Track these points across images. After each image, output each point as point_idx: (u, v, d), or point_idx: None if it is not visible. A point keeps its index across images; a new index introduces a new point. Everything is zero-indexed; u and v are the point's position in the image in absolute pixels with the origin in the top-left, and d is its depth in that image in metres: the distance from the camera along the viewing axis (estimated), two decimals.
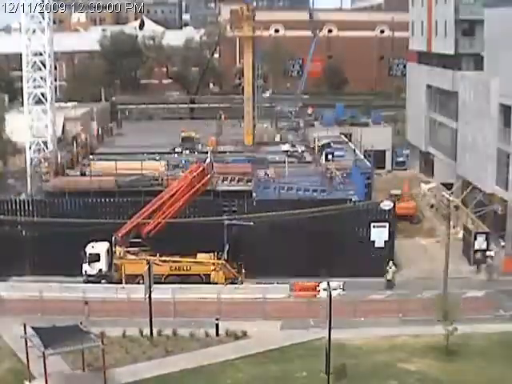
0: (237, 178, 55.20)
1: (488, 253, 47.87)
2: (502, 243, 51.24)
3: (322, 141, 70.04)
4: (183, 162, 62.41)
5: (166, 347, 37.78)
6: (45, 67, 60.70)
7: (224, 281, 46.31)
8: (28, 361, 33.42)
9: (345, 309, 40.41)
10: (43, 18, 59.83)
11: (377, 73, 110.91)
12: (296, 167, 61.31)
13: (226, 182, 54.51)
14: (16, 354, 36.20)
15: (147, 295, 38.56)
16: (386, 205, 48.93)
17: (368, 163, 62.60)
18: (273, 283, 45.73)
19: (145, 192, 51.45)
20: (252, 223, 46.95)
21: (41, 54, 60.49)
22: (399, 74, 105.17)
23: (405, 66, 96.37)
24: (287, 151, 67.97)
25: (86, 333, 33.70)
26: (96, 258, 46.66)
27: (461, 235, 53.83)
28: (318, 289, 44.81)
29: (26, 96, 61.35)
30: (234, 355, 37.03)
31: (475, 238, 51.20)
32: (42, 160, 59.50)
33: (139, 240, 47.22)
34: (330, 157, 62.88)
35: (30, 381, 33.46)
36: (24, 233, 49.44)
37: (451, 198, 45.73)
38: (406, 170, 78.45)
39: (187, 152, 68.75)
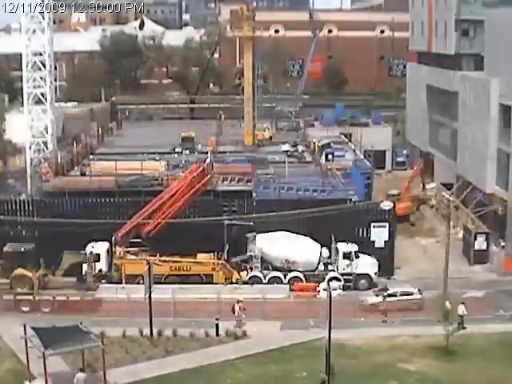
0: (237, 178, 55.17)
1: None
2: (502, 243, 51.20)
3: (322, 141, 70.04)
4: (183, 162, 62.38)
5: (166, 347, 37.76)
6: (45, 67, 60.68)
7: (224, 281, 46.31)
8: (28, 361, 33.37)
9: (345, 309, 40.40)
10: (43, 17, 59.81)
11: (377, 73, 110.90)
12: (296, 167, 61.29)
13: (226, 182, 54.47)
14: (16, 355, 36.18)
15: (147, 295, 38.55)
16: (386, 205, 48.96)
17: (368, 163, 62.59)
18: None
19: (145, 192, 51.41)
20: (252, 223, 47.01)
21: (41, 54, 60.47)
22: (399, 74, 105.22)
23: (405, 66, 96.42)
24: (287, 151, 67.95)
25: (85, 333, 33.67)
26: (96, 258, 46.65)
27: (461, 235, 53.83)
28: (317, 289, 44.83)
29: (25, 96, 61.34)
30: (233, 355, 37.01)
31: (475, 238, 51.27)
32: (42, 160, 59.48)
33: (139, 240, 47.23)
34: (330, 157, 62.82)
35: (30, 381, 33.41)
36: (24, 233, 49.40)
37: (451, 198, 45.77)
38: (406, 170, 78.41)
39: (187, 152, 68.74)
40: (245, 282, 46.28)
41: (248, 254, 46.94)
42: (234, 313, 40.44)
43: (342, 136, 78.30)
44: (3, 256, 45.81)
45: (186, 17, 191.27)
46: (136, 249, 47.04)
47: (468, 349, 37.48)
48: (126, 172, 55.60)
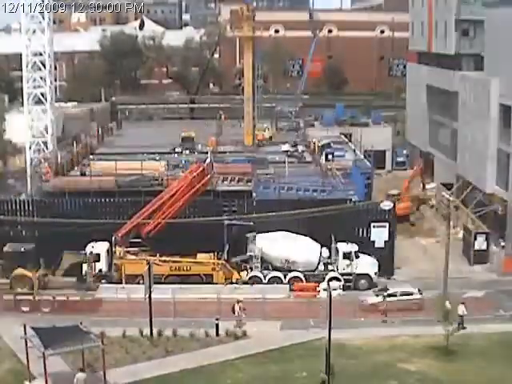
0: (237, 178, 55.17)
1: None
2: (502, 243, 51.21)
3: (322, 141, 70.04)
4: (183, 162, 62.39)
5: (166, 347, 37.76)
6: (45, 67, 60.68)
7: (224, 281, 46.31)
8: (28, 361, 33.38)
9: (345, 309, 40.40)
10: (43, 18, 59.80)
11: (377, 73, 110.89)
12: (296, 167, 61.29)
13: (226, 182, 54.47)
14: (16, 355, 36.18)
15: (147, 295, 38.55)
16: (386, 205, 48.96)
17: (368, 163, 62.61)
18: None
19: (145, 192, 51.41)
20: (252, 223, 47.01)
21: (41, 54, 60.46)
22: (399, 74, 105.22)
23: (405, 67, 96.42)
24: (287, 151, 67.95)
25: (85, 333, 33.68)
26: (96, 258, 46.66)
27: (461, 235, 53.83)
28: (317, 289, 44.83)
29: (25, 96, 61.33)
30: (233, 355, 37.01)
31: (475, 238, 51.27)
32: (42, 160, 59.48)
33: (139, 240, 47.22)
34: (330, 157, 62.82)
35: (30, 381, 33.42)
36: (24, 233, 49.39)
37: (451, 198, 45.77)
38: (406, 170, 78.42)
39: (187, 152, 68.73)
40: (245, 282, 46.28)
41: (248, 254, 46.94)
42: (234, 313, 40.44)
43: (342, 136, 78.29)
44: (3, 256, 45.83)
45: (186, 17, 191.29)
46: (136, 249, 47.04)
47: (468, 349, 37.49)
48: (126, 172, 55.61)
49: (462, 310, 39.55)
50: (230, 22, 78.87)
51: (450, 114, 69.07)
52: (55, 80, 68.69)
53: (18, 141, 66.38)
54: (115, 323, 39.74)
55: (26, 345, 33.27)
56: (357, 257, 46.60)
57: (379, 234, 48.70)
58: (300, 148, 69.47)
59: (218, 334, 39.20)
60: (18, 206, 49.60)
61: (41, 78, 60.76)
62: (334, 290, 41.13)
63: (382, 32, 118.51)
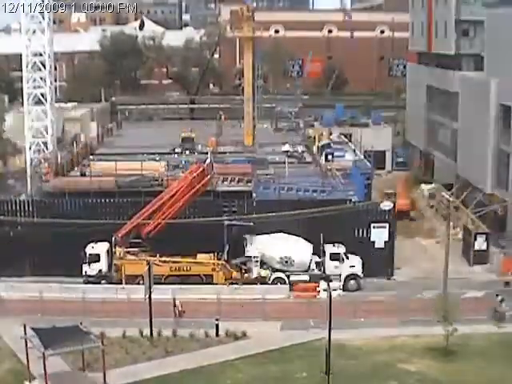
0: (237, 179, 55.16)
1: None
2: (502, 243, 51.22)
3: (321, 141, 70.02)
4: (183, 162, 62.37)
5: (165, 348, 37.78)
6: (45, 67, 60.65)
7: (224, 281, 46.31)
8: (28, 361, 33.42)
9: (345, 309, 40.40)
10: (43, 18, 59.78)
11: (377, 73, 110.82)
12: (296, 167, 61.27)
13: (225, 183, 54.45)
14: (16, 355, 36.22)
15: (147, 296, 38.55)
16: (386, 205, 48.94)
17: (368, 164, 62.60)
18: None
19: (145, 192, 51.38)
20: (252, 224, 47.01)
21: (41, 55, 60.43)
22: (399, 74, 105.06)
23: (405, 67, 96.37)
24: (287, 151, 67.91)
25: (85, 333, 33.70)
26: (96, 258, 46.68)
27: (461, 236, 53.82)
28: (317, 289, 44.83)
29: (25, 96, 61.32)
30: (233, 356, 37.04)
31: (475, 239, 51.25)
32: (42, 160, 59.48)
33: (139, 240, 47.21)
34: (329, 157, 62.78)
35: (30, 381, 33.47)
36: (24, 233, 49.38)
37: (451, 199, 45.77)
38: (406, 170, 78.40)
39: (187, 152, 68.70)
40: (247, 283, 46.24)
41: (246, 255, 46.98)
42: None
43: (342, 136, 78.24)
44: None
45: (186, 17, 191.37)
46: (136, 249, 47.04)
47: (468, 349, 37.51)
48: (126, 172, 55.59)
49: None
50: (230, 23, 78.78)
51: (449, 114, 69.09)
52: (55, 80, 68.69)
53: (17, 141, 66.36)
54: (115, 323, 39.78)
55: (26, 345, 33.33)
56: (347, 258, 46.65)
57: (379, 235, 48.69)
58: (300, 148, 69.45)
59: (217, 334, 39.22)
60: (18, 207, 49.59)
61: (41, 78, 60.74)
62: (334, 290, 41.14)
63: (382, 32, 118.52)
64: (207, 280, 46.42)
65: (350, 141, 76.22)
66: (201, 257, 47.27)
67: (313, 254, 46.99)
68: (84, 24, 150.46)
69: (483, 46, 61.35)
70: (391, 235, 48.97)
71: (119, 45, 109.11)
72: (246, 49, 73.08)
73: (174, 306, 41.21)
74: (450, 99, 68.54)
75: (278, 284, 46.16)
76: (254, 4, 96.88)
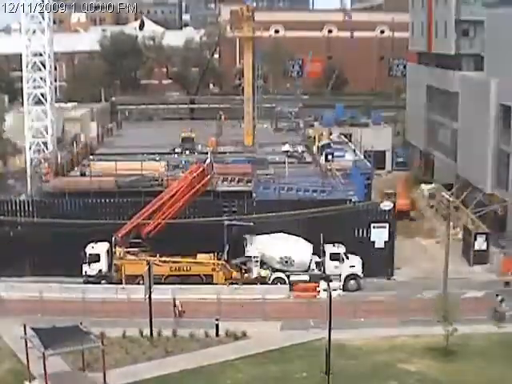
0: (237, 179, 55.17)
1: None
2: (503, 243, 51.22)
3: (321, 141, 70.02)
4: (183, 162, 62.37)
5: (165, 348, 37.78)
6: (45, 68, 60.66)
7: (224, 281, 46.31)
8: (28, 361, 33.43)
9: (345, 309, 40.40)
10: (43, 18, 59.79)
11: (377, 73, 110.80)
12: (296, 167, 61.27)
13: (225, 183, 54.47)
14: (16, 355, 36.23)
15: (147, 296, 38.55)
16: (386, 205, 48.94)
17: (368, 164, 62.62)
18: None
19: (145, 192, 51.39)
20: (252, 224, 47.00)
21: (41, 55, 60.45)
22: (399, 74, 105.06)
23: (405, 67, 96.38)
24: (287, 151, 67.91)
25: (85, 333, 33.71)
26: (96, 258, 46.68)
27: (461, 236, 53.82)
28: (317, 289, 44.83)
29: (25, 96, 61.33)
30: (233, 356, 37.04)
31: (475, 239, 51.26)
32: (42, 160, 59.49)
33: (139, 240, 47.21)
34: (329, 157, 62.77)
35: (29, 381, 33.48)
36: (24, 233, 49.37)
37: (451, 199, 45.77)
38: (406, 170, 78.40)
39: (187, 152, 68.67)
40: (247, 283, 46.24)
41: (246, 255, 46.99)
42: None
43: (342, 136, 78.23)
44: None
45: (185, 17, 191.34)
46: (136, 249, 47.04)
47: (468, 349, 37.51)
48: (126, 172, 55.59)
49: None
50: (230, 23, 78.76)
51: (450, 114, 69.10)
52: (55, 80, 68.71)
53: (17, 141, 66.36)
54: (115, 323, 39.79)
55: (26, 345, 33.34)
56: (347, 258, 46.67)
57: (379, 235, 48.70)
58: (300, 148, 69.44)
59: (217, 334, 39.23)
60: (18, 207, 49.59)
61: (41, 78, 60.75)
62: (334, 290, 41.13)
63: (382, 32, 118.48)
64: (207, 280, 46.43)
65: (350, 141, 76.23)
66: (201, 257, 47.28)
67: (313, 253, 47.01)
68: (84, 24, 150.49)
69: (483, 46, 61.34)
70: (391, 235, 48.97)
71: (119, 45, 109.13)
72: (246, 49, 73.08)
73: (174, 305, 41.24)
74: (450, 99, 68.55)
75: (278, 284, 46.17)
76: (254, 4, 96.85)
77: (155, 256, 46.44)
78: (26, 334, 33.31)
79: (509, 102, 54.09)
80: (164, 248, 46.77)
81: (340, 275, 46.40)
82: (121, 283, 45.79)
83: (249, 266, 46.95)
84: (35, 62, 60.42)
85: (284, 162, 60.27)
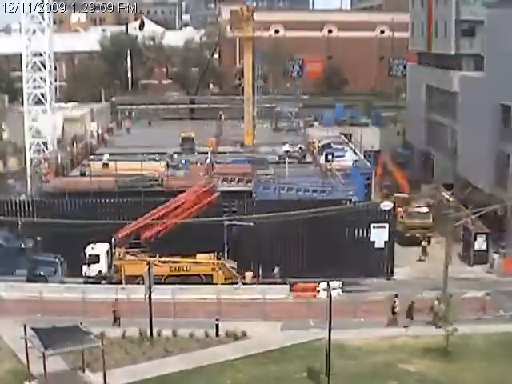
0: (237, 179, 55.19)
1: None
2: (503, 250, 51.21)
3: (322, 141, 70.06)
4: (183, 162, 62.39)
5: (165, 348, 37.75)
6: (45, 67, 60.71)
7: (224, 281, 46.30)
8: (28, 361, 33.42)
9: (345, 309, 40.39)
10: (43, 18, 59.83)
11: (377, 73, 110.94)
12: (296, 168, 61.30)
13: (225, 183, 54.50)
14: (16, 355, 36.18)
15: (147, 296, 38.54)
16: (386, 205, 48.93)
17: (368, 164, 62.65)
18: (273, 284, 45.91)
19: (145, 192, 51.40)
20: (252, 224, 47.00)
21: (41, 55, 60.49)
22: (399, 74, 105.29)
23: (405, 67, 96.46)
24: (287, 151, 67.89)
25: (85, 333, 33.70)
26: (95, 259, 46.66)
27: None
28: (317, 289, 44.81)
29: (25, 96, 61.38)
30: (233, 356, 36.99)
31: (475, 239, 51.24)
32: (42, 160, 59.51)
33: (139, 241, 47.17)
34: (329, 157, 62.82)
35: (29, 381, 33.47)
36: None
37: (451, 199, 45.76)
38: (406, 170, 78.36)
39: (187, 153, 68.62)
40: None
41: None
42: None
43: (342, 136, 78.28)
44: None
45: (185, 17, 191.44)
46: (135, 250, 47.01)
47: (468, 349, 37.47)
48: (126, 172, 55.62)
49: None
50: (230, 23, 78.86)
51: (449, 114, 69.10)
52: (55, 80, 68.71)
53: (17, 141, 66.38)
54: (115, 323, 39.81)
55: (26, 345, 33.31)
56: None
57: (379, 235, 48.67)
58: (299, 148, 69.40)
59: (217, 334, 39.18)
60: (17, 207, 49.57)
61: (41, 78, 60.80)
62: (334, 289, 41.10)
63: (382, 32, 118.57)
64: (207, 280, 46.40)
65: (350, 141, 76.27)
66: (200, 257, 47.25)
67: None
68: (84, 24, 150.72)
69: (483, 46, 61.33)
70: (391, 235, 48.98)
71: (119, 45, 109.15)
72: (246, 49, 73.13)
73: None
74: (450, 99, 68.55)
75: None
76: (254, 4, 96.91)
77: (155, 256, 46.42)
78: (26, 334, 33.28)
79: (509, 102, 54.09)
80: (164, 248, 46.74)
81: None
82: (121, 284, 45.75)
83: None
84: (35, 62, 60.46)
85: (284, 162, 60.28)
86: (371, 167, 61.54)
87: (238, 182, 54.92)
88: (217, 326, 39.18)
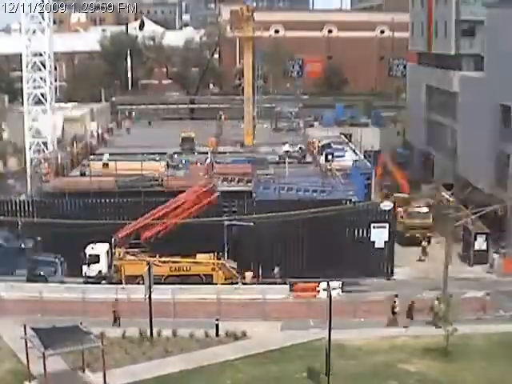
0: (237, 179, 55.20)
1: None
2: (503, 250, 51.21)
3: (322, 141, 70.07)
4: (183, 161, 62.39)
5: (165, 348, 37.75)
6: (45, 67, 60.70)
7: (224, 280, 46.29)
8: (28, 361, 33.41)
9: (345, 309, 40.39)
10: (43, 18, 59.82)
11: (377, 73, 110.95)
12: (296, 168, 61.30)
13: (225, 183, 54.50)
14: (16, 355, 36.18)
15: (147, 296, 38.53)
16: (386, 205, 48.93)
17: (368, 164, 62.66)
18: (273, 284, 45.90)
19: (145, 192, 51.39)
20: (252, 224, 46.99)
21: (41, 55, 60.49)
22: (399, 74, 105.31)
23: (405, 67, 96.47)
24: (287, 151, 67.90)
25: (85, 333, 33.70)
26: (95, 259, 46.65)
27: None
28: (317, 289, 44.80)
29: (25, 96, 61.37)
30: (233, 356, 36.99)
31: (475, 239, 51.24)
32: (42, 160, 59.52)
33: (139, 241, 47.16)
34: (329, 157, 62.82)
35: (29, 381, 33.47)
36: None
37: (451, 199, 45.75)
38: (406, 170, 78.35)
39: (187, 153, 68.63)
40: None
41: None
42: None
43: (342, 136, 78.28)
44: None
45: (185, 17, 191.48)
46: (136, 250, 47.00)
47: (468, 349, 37.47)
48: (126, 172, 55.61)
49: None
50: (230, 23, 78.87)
51: (449, 114, 69.09)
52: (55, 80, 68.72)
53: (17, 141, 66.39)
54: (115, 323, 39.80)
55: (26, 345, 33.31)
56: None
57: (379, 235, 48.67)
58: (299, 148, 69.40)
59: (217, 334, 39.18)
60: (17, 207, 49.56)
61: (41, 78, 60.79)
62: (334, 289, 41.09)
63: (382, 32, 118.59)
64: (207, 280, 46.39)
65: (350, 141, 76.27)
66: (200, 257, 47.24)
67: None
68: (84, 24, 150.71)
69: (483, 46, 61.33)
70: (391, 235, 48.97)
71: (119, 45, 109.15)
72: (246, 49, 73.14)
73: None
74: (450, 99, 68.55)
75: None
76: (254, 4, 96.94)
77: (154, 256, 46.40)
78: (26, 334, 33.29)
79: (509, 102, 54.09)
80: (164, 248, 46.73)
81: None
82: (121, 284, 45.73)
83: None
84: (35, 62, 60.45)
85: (284, 162, 60.29)
86: (371, 167, 61.52)
87: (238, 182, 54.93)
88: (217, 326, 39.18)
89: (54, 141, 63.21)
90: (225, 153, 68.20)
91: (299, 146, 69.18)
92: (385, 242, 48.76)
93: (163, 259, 46.50)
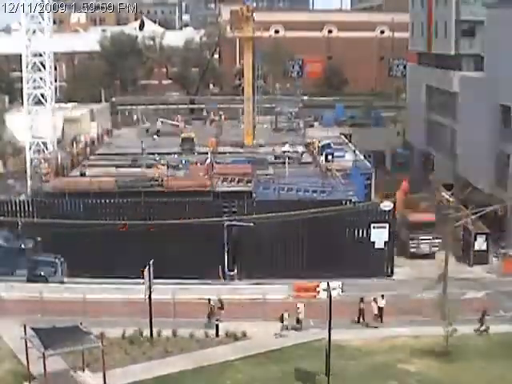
0: (237, 179, 55.21)
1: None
2: (503, 250, 51.20)
3: (322, 141, 70.03)
4: (183, 161, 62.40)
5: (165, 348, 37.75)
6: (45, 68, 60.65)
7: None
8: (28, 361, 33.41)
9: (345, 309, 40.38)
10: (43, 18, 59.80)
11: (377, 73, 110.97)
12: (296, 168, 61.29)
13: (225, 183, 54.51)
14: (16, 355, 36.17)
15: (147, 296, 38.54)
16: (386, 205, 48.92)
17: (368, 164, 62.63)
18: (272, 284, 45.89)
19: (145, 193, 51.40)
20: (252, 224, 46.99)
21: (41, 55, 60.45)
22: (399, 74, 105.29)
23: (405, 67, 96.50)
24: (285, 152, 67.86)
25: (85, 333, 33.72)
26: None
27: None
28: (317, 289, 44.79)
29: (25, 97, 61.31)
30: (233, 356, 36.99)
31: (475, 239, 51.23)
32: (42, 161, 59.53)
33: None
34: (329, 157, 62.81)
35: (29, 381, 33.46)
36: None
37: (451, 199, 45.75)
38: (406, 170, 78.33)
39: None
40: None
41: None
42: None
43: (342, 136, 78.26)
44: None
45: (185, 17, 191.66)
46: None
47: (468, 349, 37.48)
48: (126, 172, 55.67)
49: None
50: (230, 23, 78.92)
51: (449, 114, 69.09)
52: (55, 80, 68.71)
53: (17, 141, 66.38)
54: (115, 323, 39.72)
55: (26, 345, 33.31)
56: None
57: (379, 235, 48.67)
58: (299, 149, 69.44)
59: (217, 334, 39.19)
60: (17, 207, 49.56)
61: (41, 78, 60.74)
62: (334, 289, 41.07)
63: (382, 32, 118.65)
64: None
65: (350, 141, 76.25)
66: None
67: None
68: (84, 24, 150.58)
69: (483, 47, 61.33)
70: (391, 235, 48.98)
71: (119, 45, 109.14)
72: (246, 49, 73.16)
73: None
74: (450, 99, 68.55)
75: None
76: (254, 4, 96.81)
77: None
78: (26, 334, 33.30)
79: (509, 102, 54.08)
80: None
81: None
82: None
83: None
84: (35, 63, 60.41)
85: (284, 162, 60.29)
86: (371, 167, 61.47)
87: (238, 182, 54.94)
88: (217, 326, 39.19)
89: (54, 141, 63.20)
90: (225, 153, 68.20)
91: (301, 151, 69.07)
92: (385, 243, 48.77)
93: None
